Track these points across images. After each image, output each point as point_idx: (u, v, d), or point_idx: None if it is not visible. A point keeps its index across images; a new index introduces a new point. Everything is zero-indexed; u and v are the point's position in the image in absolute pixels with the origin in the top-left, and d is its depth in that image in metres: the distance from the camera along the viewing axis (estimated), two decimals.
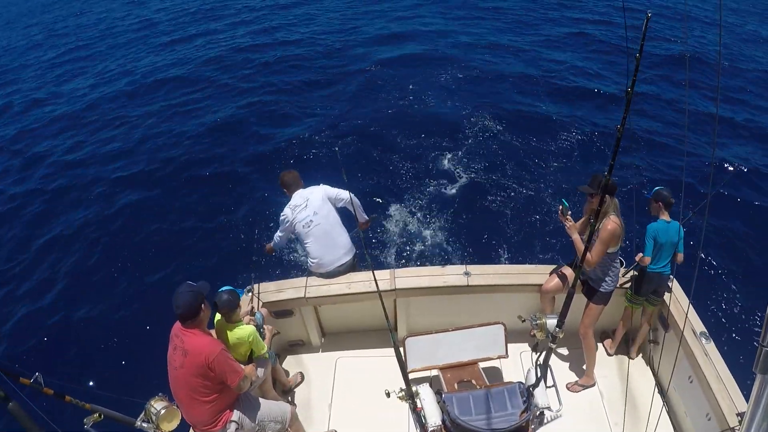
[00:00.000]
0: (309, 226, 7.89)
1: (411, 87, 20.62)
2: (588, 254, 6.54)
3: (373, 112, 19.00)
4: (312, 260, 8.05)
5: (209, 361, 5.39)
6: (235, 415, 5.87)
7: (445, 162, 15.89)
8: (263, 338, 6.65)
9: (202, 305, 5.56)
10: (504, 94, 19.72)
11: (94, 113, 20.98)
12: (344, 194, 8.26)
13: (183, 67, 24.48)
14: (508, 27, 26.64)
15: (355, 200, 8.20)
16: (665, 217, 7.07)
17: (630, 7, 24.76)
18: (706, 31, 24.73)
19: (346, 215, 8.28)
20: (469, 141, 16.90)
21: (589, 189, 6.80)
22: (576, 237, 6.89)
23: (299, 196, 8.01)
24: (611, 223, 6.55)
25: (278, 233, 8.31)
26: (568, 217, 6.90)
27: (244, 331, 6.24)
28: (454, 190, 14.67)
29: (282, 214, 8.04)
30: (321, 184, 8.29)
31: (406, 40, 25.63)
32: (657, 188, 7.18)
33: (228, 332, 6.21)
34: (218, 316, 6.30)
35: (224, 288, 6.13)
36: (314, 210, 7.94)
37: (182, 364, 5.48)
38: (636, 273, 7.49)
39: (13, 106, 23.05)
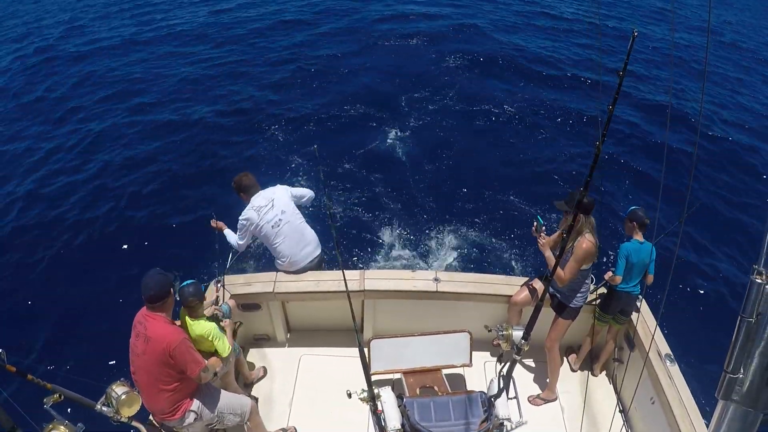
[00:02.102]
0: (279, 225, 7.83)
1: (389, 82, 20.71)
2: (561, 271, 6.56)
3: (350, 107, 19.03)
4: (282, 260, 8.00)
5: (170, 349, 5.39)
6: (195, 404, 5.87)
7: (423, 165, 15.91)
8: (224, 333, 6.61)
9: (171, 290, 5.58)
10: (487, 99, 19.78)
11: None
12: (308, 192, 8.42)
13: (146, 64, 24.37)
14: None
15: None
16: (639, 237, 7.08)
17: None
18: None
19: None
20: (450, 144, 16.94)
21: (564, 206, 6.82)
22: (549, 254, 6.90)
23: (261, 198, 7.89)
24: (586, 242, 6.55)
25: (239, 240, 8.07)
26: (542, 234, 6.92)
27: (204, 327, 6.18)
28: (430, 195, 14.67)
29: (243, 218, 7.85)
30: (278, 185, 8.25)
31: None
32: (632, 208, 7.20)
33: (190, 327, 6.15)
34: (183, 311, 6.24)
35: (188, 282, 6.07)
36: (281, 209, 7.90)
37: (144, 350, 5.48)
38: (605, 291, 7.51)
39: None
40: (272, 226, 7.79)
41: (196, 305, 6.10)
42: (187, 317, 6.18)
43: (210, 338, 6.19)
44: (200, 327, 6.17)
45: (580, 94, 20.70)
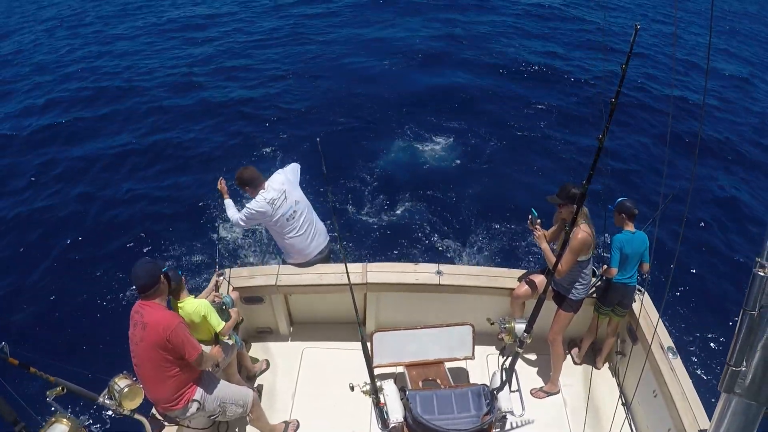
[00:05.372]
0: (294, 217, 7.79)
1: (391, 76, 20.73)
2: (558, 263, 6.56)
3: (351, 101, 19.07)
4: (291, 253, 8.03)
5: (167, 334, 5.42)
6: (198, 394, 5.88)
7: (426, 158, 15.93)
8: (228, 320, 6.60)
9: (161, 276, 5.63)
10: (486, 96, 19.78)
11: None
12: (296, 166, 8.35)
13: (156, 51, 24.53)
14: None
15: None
16: (630, 228, 7.11)
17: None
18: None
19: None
20: (453, 137, 16.98)
21: (557, 199, 6.83)
22: (545, 246, 6.90)
23: (273, 190, 7.72)
24: (581, 232, 6.53)
25: (241, 221, 7.84)
26: (537, 226, 6.91)
27: (193, 304, 6.20)
28: (433, 188, 14.69)
29: (255, 208, 7.64)
30: (279, 170, 8.12)
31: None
32: (620, 199, 7.21)
33: (181, 310, 6.18)
34: (172, 300, 6.25)
35: (164, 269, 6.08)
36: (295, 199, 7.84)
37: (142, 337, 5.51)
38: (601, 283, 7.51)
39: None
40: (288, 219, 7.76)
41: (176, 289, 6.13)
42: (173, 302, 6.24)
43: (203, 314, 6.18)
44: (190, 305, 6.19)
45: (579, 89, 20.69)
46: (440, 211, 13.89)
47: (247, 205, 7.77)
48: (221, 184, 8.09)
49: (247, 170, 7.81)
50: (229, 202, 8.03)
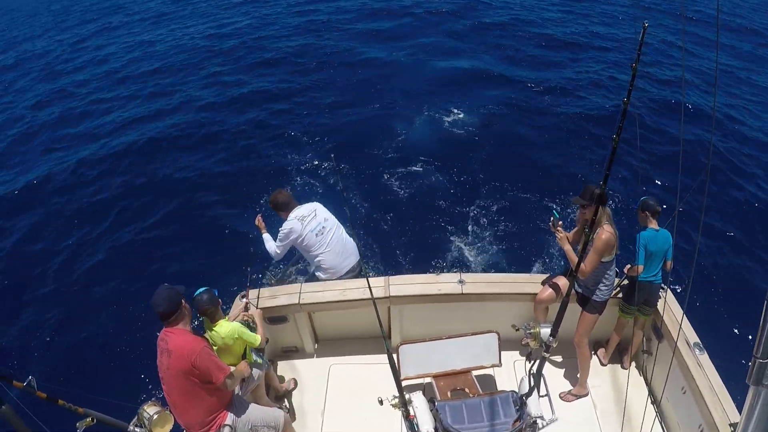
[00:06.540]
0: (322, 233, 8.07)
1: (407, 93, 20.67)
2: (582, 264, 6.54)
3: (367, 119, 19.02)
4: (322, 272, 8.28)
5: (192, 358, 5.43)
6: (229, 418, 5.90)
7: (439, 169, 15.87)
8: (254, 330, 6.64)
9: (182, 301, 5.64)
10: (497, 103, 19.72)
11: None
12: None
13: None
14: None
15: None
16: (654, 225, 7.11)
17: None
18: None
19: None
20: (465, 149, 16.91)
21: (581, 200, 6.81)
22: (567, 248, 6.90)
23: (304, 209, 8.14)
24: (605, 232, 6.53)
25: (276, 249, 8.31)
26: (559, 228, 6.92)
27: (229, 326, 6.20)
28: (449, 198, 14.64)
29: (286, 227, 8.06)
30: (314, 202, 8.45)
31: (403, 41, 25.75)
32: (643, 198, 7.23)
33: (213, 332, 6.17)
34: (205, 321, 6.27)
35: (201, 290, 6.12)
36: (324, 217, 8.19)
37: (168, 365, 5.53)
38: (627, 283, 7.49)
39: None
40: (316, 235, 8.04)
41: (212, 311, 6.14)
42: (209, 324, 6.24)
43: (236, 336, 6.20)
44: (224, 328, 6.18)
45: (593, 91, 20.62)
46: (458, 221, 13.83)
47: (279, 229, 8.13)
48: (259, 221, 8.56)
49: (281, 194, 8.22)
50: (267, 236, 8.48)
